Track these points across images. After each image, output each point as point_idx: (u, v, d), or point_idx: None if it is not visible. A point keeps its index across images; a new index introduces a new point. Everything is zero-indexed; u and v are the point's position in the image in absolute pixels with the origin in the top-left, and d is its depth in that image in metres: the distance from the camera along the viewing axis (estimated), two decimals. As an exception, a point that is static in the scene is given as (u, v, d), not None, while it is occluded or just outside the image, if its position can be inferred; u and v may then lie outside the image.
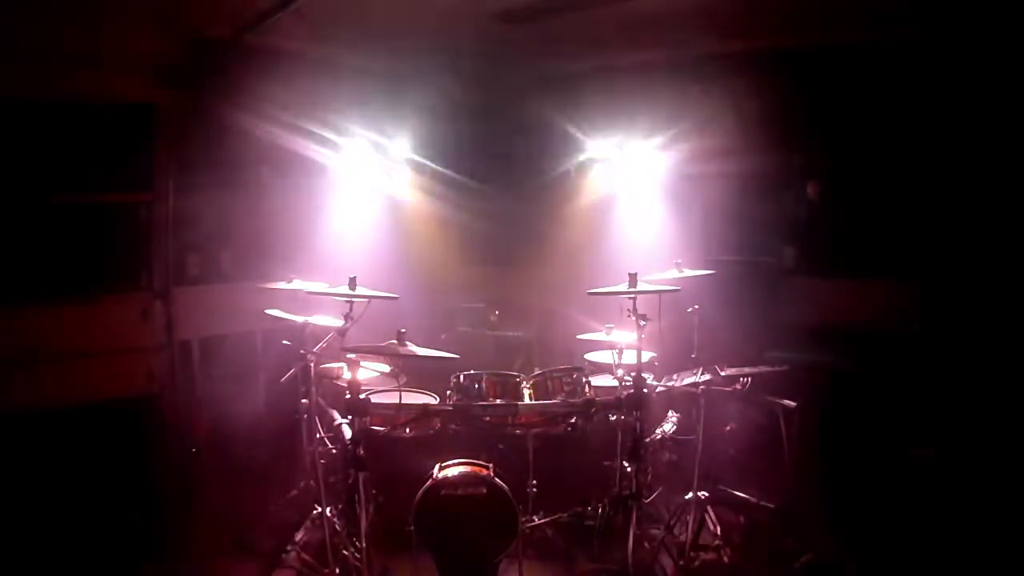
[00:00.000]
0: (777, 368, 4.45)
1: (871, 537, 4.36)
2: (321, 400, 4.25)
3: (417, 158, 6.13)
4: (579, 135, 5.99)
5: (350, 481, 3.72)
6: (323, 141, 5.66)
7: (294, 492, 4.65)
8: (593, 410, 4.20)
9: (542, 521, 4.35)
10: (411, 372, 4.39)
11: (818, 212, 5.50)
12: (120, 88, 4.94)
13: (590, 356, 4.63)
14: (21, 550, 4.09)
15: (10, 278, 4.60)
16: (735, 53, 5.38)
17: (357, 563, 3.88)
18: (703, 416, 4.25)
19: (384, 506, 4.37)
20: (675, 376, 4.50)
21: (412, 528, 3.90)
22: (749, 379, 4.37)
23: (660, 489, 4.57)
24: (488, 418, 4.22)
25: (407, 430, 4.22)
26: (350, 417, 3.73)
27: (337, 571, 3.89)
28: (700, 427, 4.25)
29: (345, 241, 5.68)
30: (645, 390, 4.03)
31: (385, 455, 4.32)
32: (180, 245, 5.36)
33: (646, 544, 4.20)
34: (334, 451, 4.20)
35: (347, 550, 3.97)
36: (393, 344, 3.86)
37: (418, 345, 3.95)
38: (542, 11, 4.98)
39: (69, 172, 4.81)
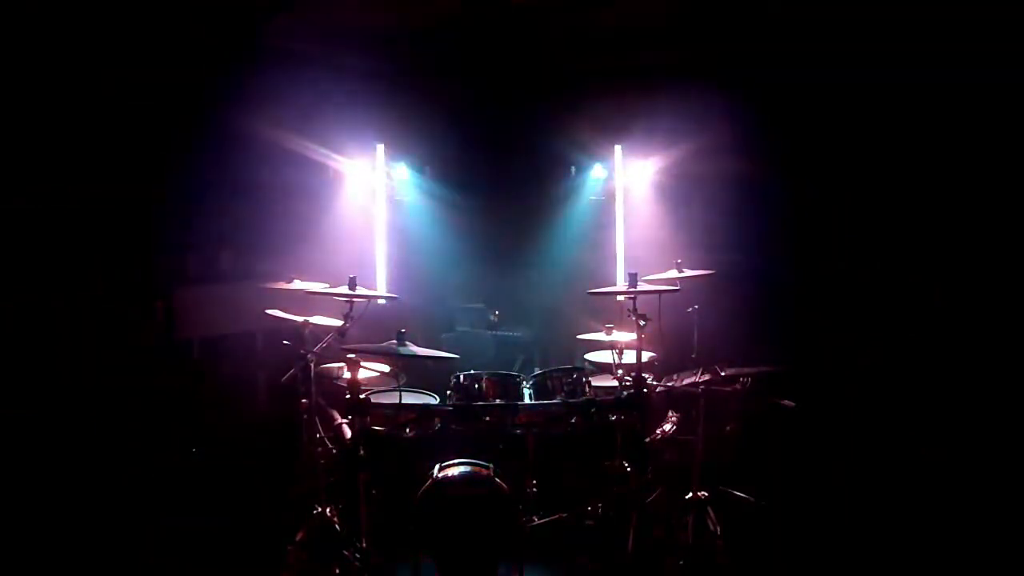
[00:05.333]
0: (777, 368, 4.45)
1: (871, 534, 4.36)
2: (321, 400, 4.24)
3: (418, 158, 6.13)
4: (579, 135, 5.99)
5: (350, 481, 3.72)
6: (324, 142, 5.67)
7: (294, 492, 4.65)
8: (593, 410, 4.20)
9: (542, 521, 4.35)
10: (411, 372, 4.40)
11: (814, 213, 5.51)
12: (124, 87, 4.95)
13: (590, 356, 4.63)
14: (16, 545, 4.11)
15: (10, 273, 4.61)
16: (732, 53, 5.39)
17: (357, 563, 3.88)
18: (703, 416, 4.25)
19: (384, 506, 4.36)
20: (675, 376, 4.50)
21: (412, 528, 3.90)
22: (749, 379, 4.37)
23: (660, 489, 4.57)
24: (488, 418, 4.21)
25: (407, 430, 4.22)
26: (350, 417, 3.72)
27: (337, 571, 3.88)
28: (700, 427, 4.25)
29: (345, 241, 5.69)
30: (645, 390, 4.03)
31: (385, 455, 4.31)
32: (180, 245, 5.36)
33: (646, 544, 4.20)
34: (334, 451, 4.20)
35: (347, 550, 3.97)
36: (393, 344, 3.86)
37: (418, 345, 3.95)
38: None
39: (70, 170, 4.81)
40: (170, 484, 4.87)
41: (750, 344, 4.84)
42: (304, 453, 4.25)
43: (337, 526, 4.08)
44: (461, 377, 4.29)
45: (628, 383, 4.10)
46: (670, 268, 4.43)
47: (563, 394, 4.30)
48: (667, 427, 4.56)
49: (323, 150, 5.68)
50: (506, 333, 6.14)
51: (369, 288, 3.98)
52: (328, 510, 4.05)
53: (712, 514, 4.30)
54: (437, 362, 4.04)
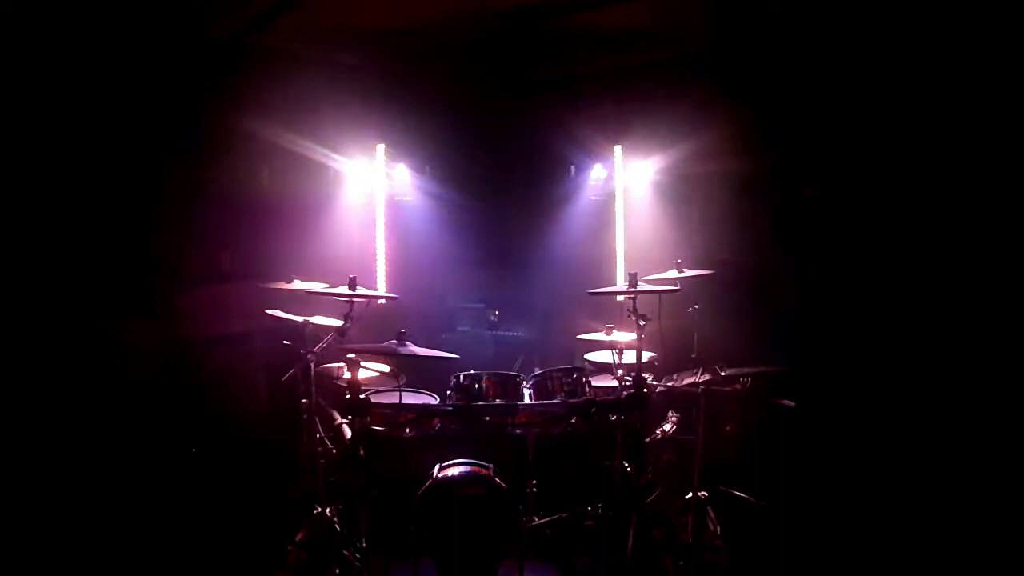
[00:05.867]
0: (777, 368, 4.45)
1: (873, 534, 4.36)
2: (321, 400, 4.25)
3: (418, 158, 6.13)
4: (579, 135, 5.99)
5: (350, 481, 3.72)
6: (324, 142, 5.67)
7: (294, 492, 4.65)
8: (593, 410, 4.20)
9: (542, 521, 4.35)
10: (411, 372, 4.40)
11: (814, 213, 5.50)
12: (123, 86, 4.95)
13: (590, 356, 4.63)
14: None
15: (10, 273, 4.60)
16: (730, 52, 5.39)
17: (357, 563, 3.89)
18: (703, 416, 4.25)
19: (384, 506, 4.37)
20: (675, 376, 4.51)
21: (412, 528, 3.90)
22: (749, 379, 4.37)
23: (660, 489, 4.57)
24: (488, 418, 4.22)
25: (407, 430, 4.22)
26: (350, 417, 3.73)
27: (337, 571, 3.89)
28: (700, 427, 4.25)
29: (345, 241, 5.69)
30: (645, 390, 4.03)
31: (385, 455, 4.32)
32: (180, 245, 5.36)
33: (646, 544, 4.20)
34: (334, 451, 4.21)
35: (347, 550, 3.97)
36: (393, 344, 3.86)
37: (418, 345, 3.95)
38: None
39: (70, 169, 4.81)
40: (170, 484, 4.87)
41: (750, 344, 4.84)
42: (304, 453, 4.25)
43: (337, 526, 4.08)
44: (461, 377, 4.29)
45: (628, 383, 4.10)
46: (670, 268, 4.43)
47: (563, 394, 4.30)
48: (667, 427, 4.56)
49: (323, 150, 5.68)
50: (506, 333, 6.14)
51: (369, 288, 3.98)
52: (328, 510, 4.06)
53: (712, 514, 4.30)
54: (437, 362, 4.04)
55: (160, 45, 4.99)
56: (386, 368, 4.17)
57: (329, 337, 4.05)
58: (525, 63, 5.97)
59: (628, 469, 4.19)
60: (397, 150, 6.04)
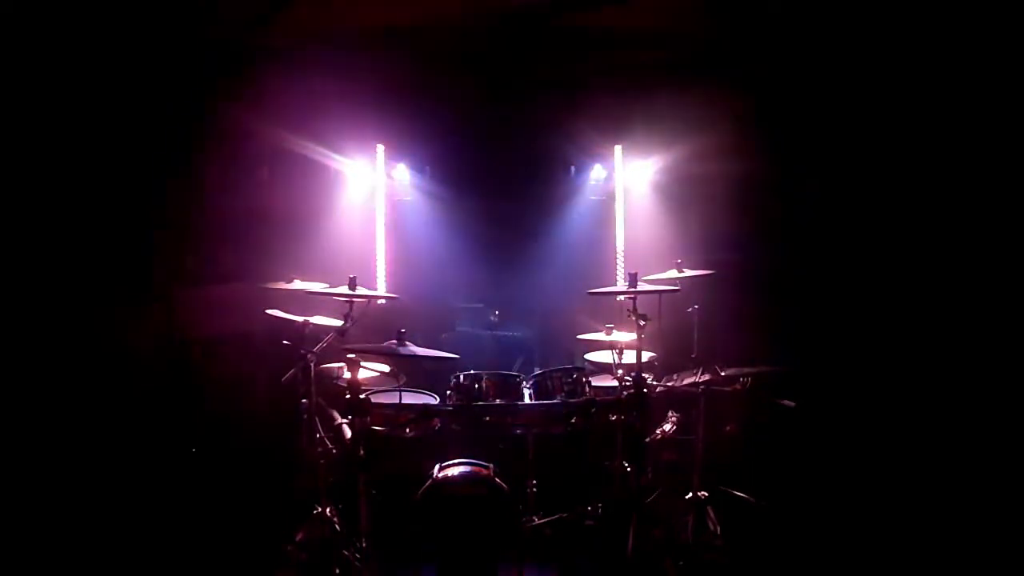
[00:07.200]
0: (777, 368, 4.45)
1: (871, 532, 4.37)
2: (321, 400, 4.25)
3: (418, 158, 6.13)
4: (579, 135, 5.99)
5: (350, 481, 3.72)
6: (324, 142, 5.67)
7: (295, 492, 4.64)
8: (593, 410, 4.20)
9: (542, 521, 4.35)
10: (411, 372, 4.39)
11: (814, 213, 5.51)
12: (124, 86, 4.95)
13: (590, 356, 4.63)
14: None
15: (10, 274, 4.61)
16: (731, 52, 5.39)
17: (357, 563, 3.89)
18: (703, 416, 4.25)
19: (384, 506, 4.36)
20: (675, 376, 4.51)
21: (412, 528, 3.90)
22: (749, 379, 4.37)
23: (660, 489, 4.57)
24: (488, 418, 4.22)
25: (407, 430, 4.22)
26: (350, 417, 3.73)
27: (337, 571, 3.89)
28: (700, 427, 4.25)
29: (345, 241, 5.69)
30: (645, 390, 4.03)
31: (385, 455, 4.32)
32: (180, 245, 5.36)
33: (646, 544, 4.20)
34: (334, 451, 4.21)
35: (347, 550, 3.97)
36: (393, 344, 3.86)
37: (418, 345, 3.95)
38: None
39: (70, 169, 4.81)
40: (170, 484, 4.87)
41: (750, 344, 4.84)
42: (304, 453, 4.25)
43: (337, 526, 4.08)
44: (461, 377, 4.29)
45: (628, 383, 4.10)
46: (670, 268, 4.43)
47: (563, 394, 4.30)
48: (667, 427, 4.56)
49: (323, 150, 5.68)
50: (506, 333, 6.14)
51: (369, 288, 3.98)
52: (328, 510, 4.06)
53: (712, 514, 4.31)
54: (437, 362, 4.04)
55: (160, 45, 4.99)
56: (386, 368, 4.17)
57: (329, 337, 4.05)
58: (525, 63, 5.96)
59: (628, 469, 4.19)
60: (397, 150, 6.04)
